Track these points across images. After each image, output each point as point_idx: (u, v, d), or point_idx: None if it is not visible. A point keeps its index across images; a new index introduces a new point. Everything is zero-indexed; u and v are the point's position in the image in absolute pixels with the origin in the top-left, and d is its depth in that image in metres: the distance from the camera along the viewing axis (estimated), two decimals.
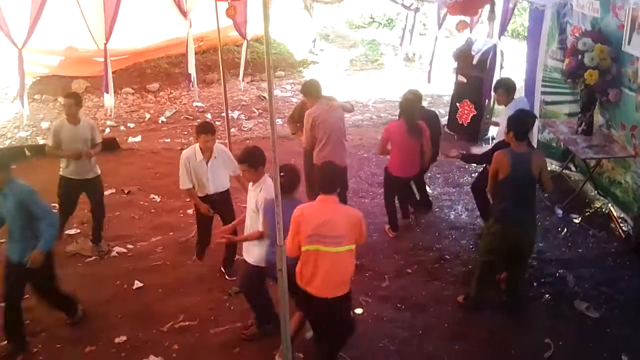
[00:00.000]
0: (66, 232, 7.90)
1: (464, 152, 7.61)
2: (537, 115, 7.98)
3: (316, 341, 5.48)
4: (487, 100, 10.26)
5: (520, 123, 5.85)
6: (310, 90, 7.51)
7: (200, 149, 6.52)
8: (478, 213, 7.86)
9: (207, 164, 6.56)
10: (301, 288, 5.00)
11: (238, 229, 6.44)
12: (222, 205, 6.87)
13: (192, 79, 11.37)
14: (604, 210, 8.25)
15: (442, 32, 12.49)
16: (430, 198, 8.49)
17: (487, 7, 10.74)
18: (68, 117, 7.09)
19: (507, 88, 7.29)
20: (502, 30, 9.78)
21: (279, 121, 11.82)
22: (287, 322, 4.72)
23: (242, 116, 12.25)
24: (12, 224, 5.55)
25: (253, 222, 5.68)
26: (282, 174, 4.91)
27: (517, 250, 6.04)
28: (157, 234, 7.86)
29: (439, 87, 12.63)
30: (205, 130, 6.50)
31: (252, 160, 5.58)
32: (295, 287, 4.98)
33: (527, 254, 6.28)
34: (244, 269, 5.95)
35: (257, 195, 5.56)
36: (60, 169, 7.29)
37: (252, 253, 5.72)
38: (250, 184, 5.73)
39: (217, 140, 6.63)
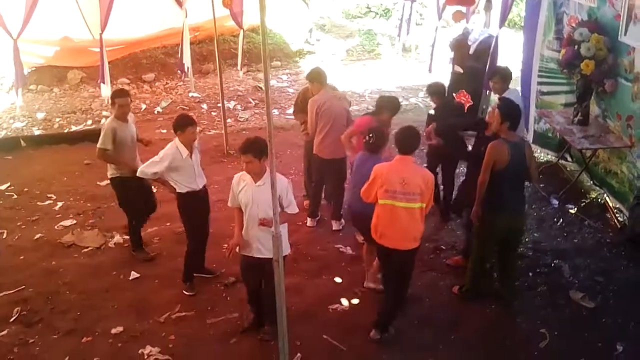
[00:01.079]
0: (61, 223, 7.91)
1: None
2: (535, 106, 7.98)
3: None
4: (486, 92, 10.23)
5: (514, 113, 5.83)
6: (317, 77, 7.49)
7: (183, 143, 6.20)
8: None
9: (191, 158, 6.28)
10: (376, 242, 5.67)
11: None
12: (206, 201, 6.64)
13: (187, 70, 11.34)
14: (599, 200, 8.26)
15: (439, 22, 12.46)
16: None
17: None
18: (123, 115, 6.79)
19: (502, 76, 7.31)
20: (503, 21, 9.74)
21: (275, 111, 11.83)
22: (283, 314, 4.73)
23: (239, 106, 12.23)
24: None
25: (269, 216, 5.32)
26: (370, 135, 6.21)
27: (510, 238, 6.07)
28: (154, 224, 7.85)
29: (435, 78, 12.58)
30: (192, 121, 6.25)
31: (256, 150, 5.31)
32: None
33: (519, 241, 6.33)
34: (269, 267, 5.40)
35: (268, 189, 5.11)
36: (115, 171, 6.91)
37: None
38: (249, 179, 5.46)
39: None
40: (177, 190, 6.37)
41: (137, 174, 6.35)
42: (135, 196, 7.01)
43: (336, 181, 7.65)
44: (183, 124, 6.20)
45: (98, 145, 6.69)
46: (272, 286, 5.16)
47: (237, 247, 5.64)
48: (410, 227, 5.48)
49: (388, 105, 7.12)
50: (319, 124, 7.36)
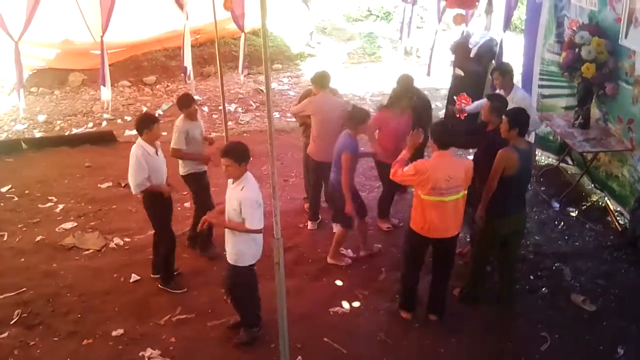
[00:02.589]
0: (62, 225, 7.91)
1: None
2: (536, 109, 8.02)
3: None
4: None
5: (524, 119, 5.78)
6: (316, 80, 7.56)
7: (147, 142, 6.22)
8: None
9: (157, 155, 6.33)
10: (418, 234, 5.80)
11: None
12: (171, 197, 6.68)
13: (188, 72, 11.34)
14: (600, 203, 8.26)
15: (439, 25, 12.46)
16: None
17: (485, 0, 10.74)
18: (193, 115, 6.91)
19: (501, 71, 7.50)
20: (507, 25, 9.74)
21: (276, 114, 11.82)
22: (283, 317, 4.73)
23: (239, 109, 12.23)
24: None
25: (234, 220, 5.45)
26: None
27: (511, 241, 6.08)
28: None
29: (436, 81, 12.61)
30: (157, 119, 6.36)
31: (236, 155, 5.30)
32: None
33: (520, 243, 6.36)
34: (229, 270, 5.72)
35: (239, 194, 5.33)
36: (186, 167, 6.99)
37: (247, 254, 5.60)
38: (230, 181, 5.48)
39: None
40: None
41: (133, 192, 6.39)
42: (208, 190, 7.29)
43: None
44: (150, 122, 6.24)
45: (172, 146, 6.81)
46: (227, 287, 5.77)
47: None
48: (457, 216, 5.75)
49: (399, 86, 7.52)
50: (314, 127, 7.35)
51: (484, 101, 7.84)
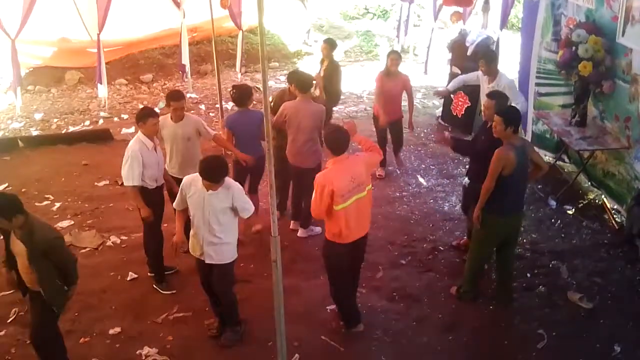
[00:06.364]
0: (59, 224, 7.89)
1: (455, 137, 7.69)
2: (532, 107, 8.04)
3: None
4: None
5: (516, 117, 5.75)
6: (299, 83, 7.32)
7: (145, 135, 6.20)
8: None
9: (156, 152, 6.33)
10: (337, 244, 5.51)
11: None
12: (163, 196, 6.69)
13: (187, 70, 11.34)
14: (597, 201, 8.27)
15: (436, 23, 12.48)
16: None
17: None
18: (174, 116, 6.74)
19: (485, 58, 7.73)
20: (504, 23, 9.74)
21: None
22: (281, 315, 4.72)
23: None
24: None
25: (229, 220, 5.52)
26: (233, 90, 7.05)
27: (509, 239, 6.09)
28: None
29: (433, 79, 12.62)
30: (153, 113, 6.32)
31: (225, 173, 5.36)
32: None
33: (517, 241, 6.39)
34: (217, 270, 5.65)
35: (227, 195, 5.40)
36: None
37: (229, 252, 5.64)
38: (201, 185, 5.36)
39: None
40: (145, 187, 6.36)
41: (125, 184, 6.34)
42: None
43: (304, 191, 7.27)
44: (144, 115, 6.22)
45: None
46: (224, 289, 5.63)
47: (180, 246, 5.84)
48: (366, 214, 5.65)
49: None
50: (288, 130, 7.27)
51: (473, 75, 7.99)
